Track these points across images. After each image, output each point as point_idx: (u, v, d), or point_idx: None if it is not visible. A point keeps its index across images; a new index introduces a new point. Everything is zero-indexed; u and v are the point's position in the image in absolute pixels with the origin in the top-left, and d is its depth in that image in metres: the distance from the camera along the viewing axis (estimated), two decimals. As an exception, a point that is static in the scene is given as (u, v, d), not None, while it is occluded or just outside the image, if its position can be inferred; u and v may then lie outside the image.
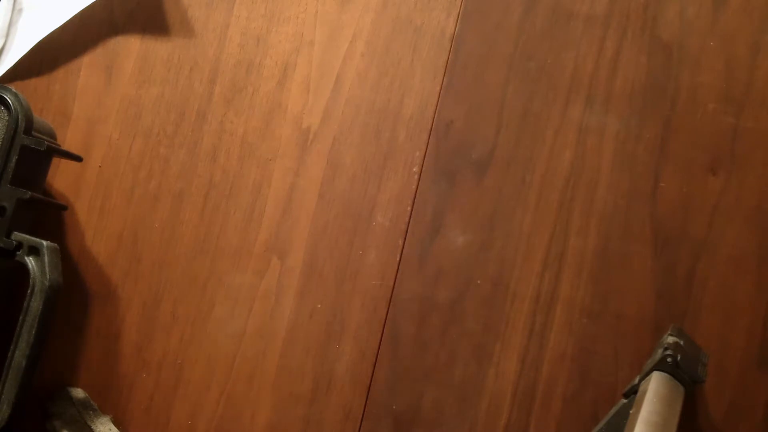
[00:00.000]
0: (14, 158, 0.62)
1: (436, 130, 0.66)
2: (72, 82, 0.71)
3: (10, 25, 0.70)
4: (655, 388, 0.50)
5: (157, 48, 0.70)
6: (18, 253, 0.61)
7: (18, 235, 0.61)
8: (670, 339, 0.55)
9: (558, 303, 0.62)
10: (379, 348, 0.65)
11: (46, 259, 0.61)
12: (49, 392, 0.67)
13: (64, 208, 0.68)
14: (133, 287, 0.68)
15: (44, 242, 0.61)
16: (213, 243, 0.68)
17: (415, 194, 0.65)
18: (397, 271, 0.65)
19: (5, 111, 0.63)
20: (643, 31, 0.63)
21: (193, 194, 0.68)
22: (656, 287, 0.61)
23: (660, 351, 0.53)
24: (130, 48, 0.71)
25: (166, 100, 0.70)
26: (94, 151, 0.70)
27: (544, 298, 0.62)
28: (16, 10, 0.71)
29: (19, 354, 0.59)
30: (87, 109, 0.70)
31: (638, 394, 0.52)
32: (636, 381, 0.54)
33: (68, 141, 0.70)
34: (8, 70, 0.70)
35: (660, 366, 0.52)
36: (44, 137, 0.63)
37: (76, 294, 0.69)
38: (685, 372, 0.52)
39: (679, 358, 0.52)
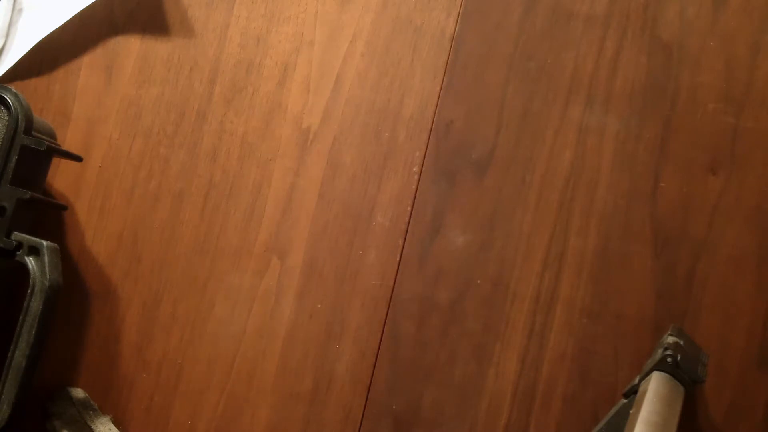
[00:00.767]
0: (14, 158, 0.62)
1: (436, 130, 0.66)
2: (72, 82, 0.71)
3: (10, 25, 0.70)
4: (655, 388, 0.50)
5: (157, 48, 0.70)
6: (18, 253, 0.61)
7: (18, 235, 0.61)
8: (670, 339, 0.55)
9: (558, 303, 0.62)
10: (379, 348, 0.65)
11: (46, 259, 0.61)
12: (49, 392, 0.67)
13: (64, 208, 0.68)
14: (133, 287, 0.68)
15: (44, 242, 0.61)
16: (213, 243, 0.68)
17: (415, 194, 0.65)
18: (397, 271, 0.65)
19: (5, 111, 0.63)
20: (643, 31, 0.63)
21: (193, 194, 0.68)
22: (656, 287, 0.61)
23: (660, 351, 0.53)
24: (130, 48, 0.71)
25: (166, 100, 0.70)
26: (94, 151, 0.70)
27: (544, 298, 0.62)
28: (16, 10, 0.71)
29: (19, 354, 0.59)
30: (87, 109, 0.70)
31: (638, 394, 0.52)
32: (636, 381, 0.54)
33: (68, 141, 0.70)
34: (8, 70, 0.70)
35: (660, 366, 0.52)
36: (44, 137, 0.63)
37: (76, 294, 0.69)
38: (685, 372, 0.52)
39: (679, 358, 0.52)
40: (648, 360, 0.57)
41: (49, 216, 0.69)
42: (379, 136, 0.66)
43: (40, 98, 0.71)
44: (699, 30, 0.63)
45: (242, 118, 0.69)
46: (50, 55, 0.71)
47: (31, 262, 0.61)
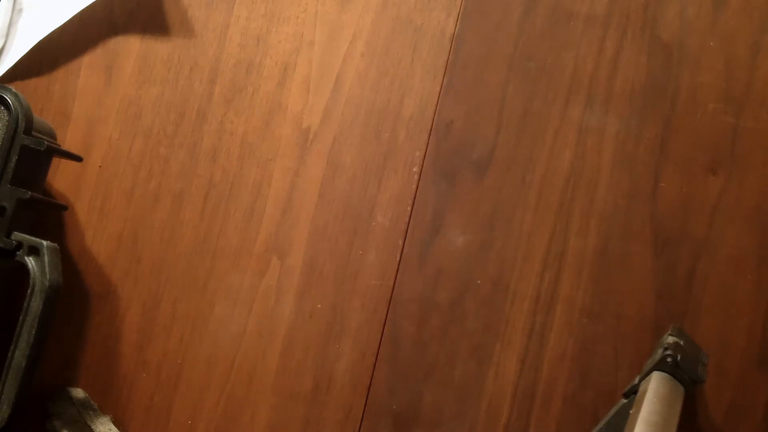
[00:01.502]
0: (14, 158, 0.62)
1: (436, 130, 0.66)
2: (72, 82, 0.71)
3: (10, 25, 0.70)
4: (655, 388, 0.50)
5: (157, 48, 0.70)
6: (18, 253, 0.61)
7: (18, 235, 0.61)
8: (670, 339, 0.55)
9: (558, 303, 0.62)
10: (379, 348, 0.65)
11: (46, 259, 0.61)
12: (49, 392, 0.67)
13: (64, 208, 0.68)
14: (133, 287, 0.68)
15: (44, 242, 0.61)
16: (213, 243, 0.68)
17: (415, 194, 0.65)
18: (397, 271, 0.65)
19: (5, 111, 0.63)
20: (643, 31, 0.63)
21: (193, 194, 0.68)
22: (656, 287, 0.61)
23: (660, 351, 0.53)
24: (130, 48, 0.71)
25: (166, 100, 0.70)
26: (94, 151, 0.70)
27: (544, 298, 0.62)
28: (16, 10, 0.71)
29: (19, 354, 0.59)
30: (87, 109, 0.70)
31: (638, 394, 0.52)
32: (636, 381, 0.54)
33: (68, 141, 0.70)
34: (8, 70, 0.70)
35: (660, 366, 0.52)
36: (44, 137, 0.63)
37: (76, 294, 0.69)
38: (685, 372, 0.52)
39: (679, 358, 0.52)
40: (648, 360, 0.57)
41: (49, 216, 0.69)
42: (379, 136, 0.66)
43: (40, 98, 0.71)
44: (699, 30, 0.63)
45: (242, 118, 0.69)
46: (50, 55, 0.71)
47: (31, 262, 0.61)
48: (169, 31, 0.70)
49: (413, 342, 0.64)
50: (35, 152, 0.62)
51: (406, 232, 0.65)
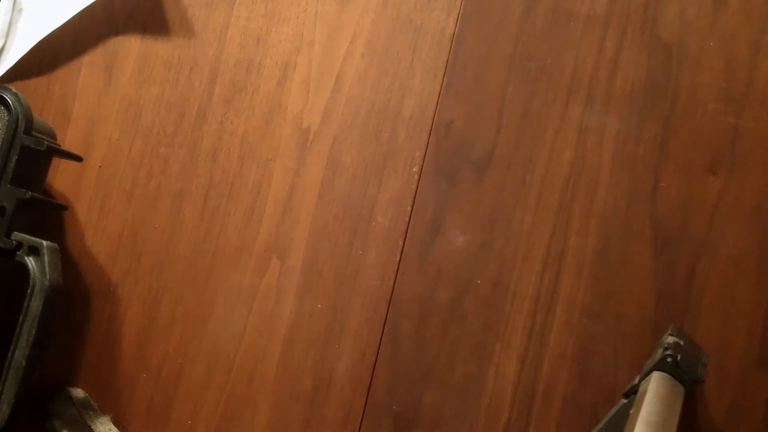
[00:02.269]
0: (14, 158, 0.62)
1: (436, 130, 0.66)
2: (72, 82, 0.71)
3: (10, 25, 0.70)
4: (655, 388, 0.50)
5: (157, 48, 0.70)
6: (18, 253, 0.61)
7: (18, 235, 0.61)
8: (670, 339, 0.55)
9: (558, 303, 0.62)
10: (379, 348, 0.65)
11: (46, 259, 0.61)
12: (49, 392, 0.67)
13: (64, 208, 0.68)
14: (133, 287, 0.68)
15: (44, 242, 0.61)
16: (213, 243, 0.68)
17: (415, 194, 0.65)
18: (397, 271, 0.65)
19: (5, 111, 0.63)
20: (643, 31, 0.63)
21: (193, 194, 0.68)
22: (656, 287, 0.61)
23: (660, 351, 0.53)
24: (130, 48, 0.71)
25: (166, 100, 0.70)
26: (94, 151, 0.70)
27: (544, 298, 0.62)
28: (16, 10, 0.71)
29: (19, 354, 0.59)
30: (87, 109, 0.70)
31: (638, 394, 0.52)
32: (636, 381, 0.54)
33: (68, 141, 0.70)
34: (8, 70, 0.70)
35: (660, 366, 0.52)
36: (44, 137, 0.63)
37: (76, 294, 0.69)
38: (685, 372, 0.52)
39: (679, 358, 0.52)
40: (648, 360, 0.57)
41: (49, 216, 0.69)
42: (379, 136, 0.66)
43: (40, 98, 0.71)
44: (699, 30, 0.63)
45: (242, 118, 0.69)
46: (50, 55, 0.71)
47: (31, 262, 0.61)
48: (169, 31, 0.70)
49: (413, 342, 0.64)
50: (35, 152, 0.62)
51: (406, 232, 0.65)
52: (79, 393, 0.67)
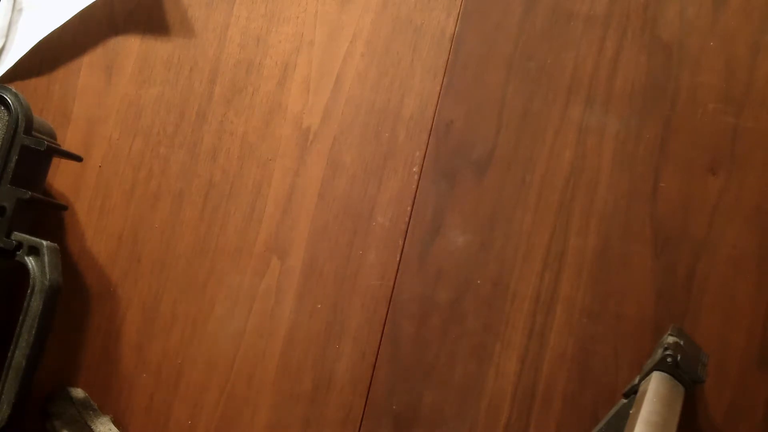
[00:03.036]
0: (14, 158, 0.62)
1: (436, 130, 0.66)
2: (72, 82, 0.71)
3: (10, 25, 0.70)
4: (655, 388, 0.50)
5: (157, 48, 0.70)
6: (18, 253, 0.61)
7: (18, 235, 0.61)
8: (670, 339, 0.55)
9: (558, 303, 0.62)
10: (379, 348, 0.65)
11: (46, 259, 0.61)
12: (49, 392, 0.67)
13: (64, 208, 0.68)
14: (133, 287, 0.68)
15: (44, 242, 0.61)
16: (213, 243, 0.68)
17: (415, 194, 0.65)
18: (397, 271, 0.65)
19: (5, 111, 0.63)
20: (643, 31, 0.63)
21: (193, 194, 0.68)
22: (656, 287, 0.61)
23: (660, 351, 0.53)
24: (130, 48, 0.71)
25: (166, 100, 0.70)
26: (94, 151, 0.70)
27: (544, 298, 0.62)
28: (16, 10, 0.71)
29: (19, 354, 0.59)
30: (87, 109, 0.70)
31: (638, 394, 0.52)
32: (636, 381, 0.54)
33: (68, 141, 0.70)
34: (8, 70, 0.70)
35: (660, 366, 0.52)
36: (44, 137, 0.63)
37: (76, 294, 0.69)
38: (685, 372, 0.52)
39: (679, 358, 0.52)
40: (648, 360, 0.57)
41: (49, 216, 0.69)
42: (379, 136, 0.66)
43: (40, 98, 0.71)
44: (699, 30, 0.63)
45: (242, 118, 0.69)
46: (50, 55, 0.71)
47: (31, 262, 0.61)
48: (169, 31, 0.70)
49: (413, 342, 0.64)
50: (35, 152, 0.62)
51: (406, 232, 0.65)
52: (79, 393, 0.67)
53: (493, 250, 0.64)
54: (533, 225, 0.63)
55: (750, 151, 0.61)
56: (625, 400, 0.55)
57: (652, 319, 0.61)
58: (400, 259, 0.65)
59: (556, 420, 0.61)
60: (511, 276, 0.63)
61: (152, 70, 0.70)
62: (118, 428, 0.66)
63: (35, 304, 0.60)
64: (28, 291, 0.60)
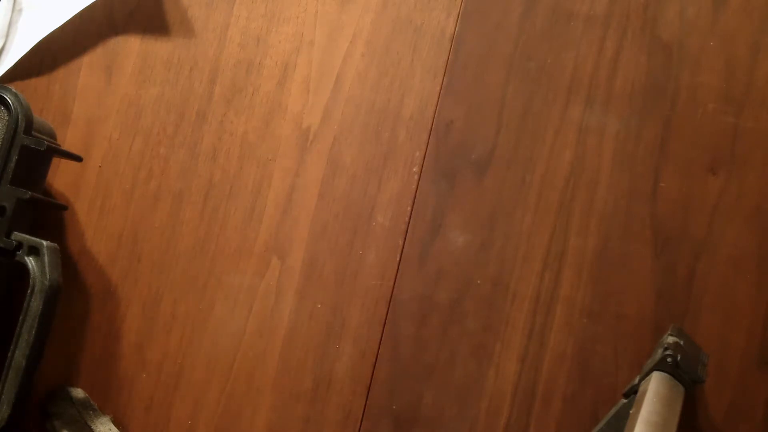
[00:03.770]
0: (14, 158, 0.62)
1: (436, 130, 0.66)
2: (72, 82, 0.71)
3: (10, 25, 0.70)
4: (655, 388, 0.50)
5: (157, 48, 0.70)
6: (18, 253, 0.61)
7: (18, 235, 0.61)
8: (670, 339, 0.55)
9: (558, 303, 0.62)
10: (379, 348, 0.65)
11: (46, 259, 0.61)
12: (49, 392, 0.67)
13: (64, 208, 0.68)
14: (133, 287, 0.68)
15: (44, 242, 0.61)
16: (213, 243, 0.68)
17: (415, 194, 0.65)
18: (397, 271, 0.65)
19: (5, 111, 0.63)
20: (643, 31, 0.63)
21: (193, 194, 0.68)
22: (656, 287, 0.61)
23: (660, 351, 0.53)
24: (130, 48, 0.71)
25: (166, 100, 0.70)
26: (94, 151, 0.70)
27: (544, 298, 0.62)
28: (16, 10, 0.71)
29: (19, 354, 0.59)
30: (87, 109, 0.70)
31: (638, 394, 0.52)
32: (636, 381, 0.54)
33: (68, 141, 0.70)
34: (8, 70, 0.70)
35: (660, 366, 0.52)
36: (44, 137, 0.63)
37: (76, 294, 0.69)
38: (685, 372, 0.52)
39: (679, 358, 0.52)
40: (648, 360, 0.57)
41: (49, 216, 0.69)
42: (379, 136, 0.66)
43: (40, 98, 0.71)
44: (699, 30, 0.63)
45: (242, 118, 0.69)
46: (50, 55, 0.71)
47: (31, 262, 0.61)
48: (169, 31, 0.70)
49: (413, 342, 0.64)
50: (35, 152, 0.62)
51: (406, 232, 0.65)
52: (79, 393, 0.67)
53: (493, 250, 0.64)
54: (533, 225, 0.63)
55: (750, 151, 0.61)
56: (625, 400, 0.55)
57: (652, 319, 0.61)
58: (400, 259, 0.65)
59: (556, 420, 0.61)
60: (511, 276, 0.63)
61: (152, 70, 0.70)
62: (118, 428, 0.66)
63: (35, 304, 0.60)
64: (28, 291, 0.60)
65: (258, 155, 0.68)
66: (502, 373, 0.62)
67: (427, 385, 0.63)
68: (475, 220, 0.64)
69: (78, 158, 0.68)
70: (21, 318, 0.60)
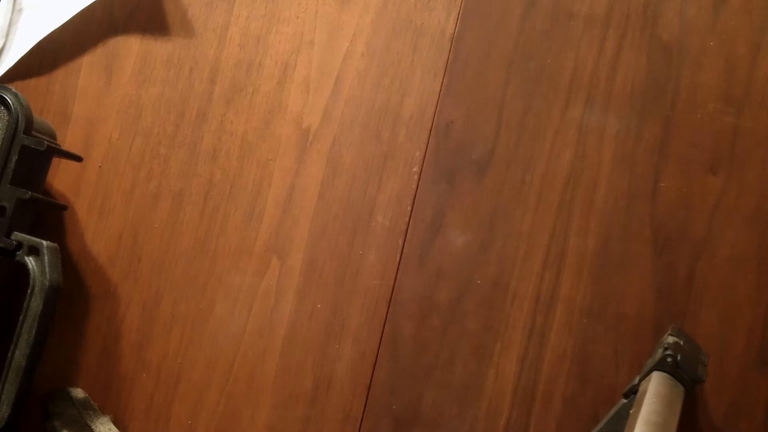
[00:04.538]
0: (14, 158, 0.62)
1: (436, 130, 0.66)
2: (72, 82, 0.71)
3: (10, 25, 0.70)
4: (655, 388, 0.50)
5: (157, 48, 0.70)
6: (18, 253, 0.61)
7: (18, 235, 0.61)
8: (670, 339, 0.55)
9: (558, 303, 0.62)
10: (379, 348, 0.65)
11: (46, 259, 0.60)
12: (49, 392, 0.67)
13: (64, 208, 0.68)
14: (133, 287, 0.68)
15: (44, 242, 0.61)
16: (213, 243, 0.68)
17: (415, 194, 0.65)
18: (397, 271, 0.65)
19: (5, 111, 0.63)
20: (643, 31, 0.63)
21: (193, 194, 0.68)
22: (656, 287, 0.61)
23: (660, 351, 0.53)
24: (130, 48, 0.71)
25: (166, 100, 0.70)
26: (94, 151, 0.70)
27: (544, 298, 0.62)
28: (16, 10, 0.71)
29: (19, 354, 0.59)
30: (87, 109, 0.70)
31: (638, 394, 0.52)
32: (636, 381, 0.54)
33: (68, 141, 0.70)
34: (8, 70, 0.70)
35: (660, 366, 0.52)
36: (44, 137, 0.63)
37: (76, 294, 0.69)
38: (685, 372, 0.52)
39: (679, 358, 0.52)
40: (648, 360, 0.57)
41: (49, 216, 0.69)
42: (379, 136, 0.66)
43: (40, 98, 0.71)
44: (699, 30, 0.63)
45: (242, 118, 0.69)
46: (50, 55, 0.71)
47: (31, 262, 0.61)
48: (169, 31, 0.70)
49: (413, 342, 0.64)
50: (35, 152, 0.62)
51: (406, 232, 0.65)
52: (79, 393, 0.67)
53: (493, 250, 0.64)
54: (533, 225, 0.63)
55: (750, 151, 0.61)
56: (625, 400, 0.55)
57: (652, 319, 0.61)
58: (400, 259, 0.65)
59: (556, 420, 0.61)
60: (511, 276, 0.63)
61: (152, 70, 0.70)
62: (118, 428, 0.66)
63: (35, 304, 0.60)
64: (28, 291, 0.60)
65: (258, 155, 0.68)
66: (502, 373, 0.62)
67: (427, 385, 0.63)
68: (475, 220, 0.64)
69: (78, 158, 0.68)
70: (21, 318, 0.60)
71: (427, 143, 0.66)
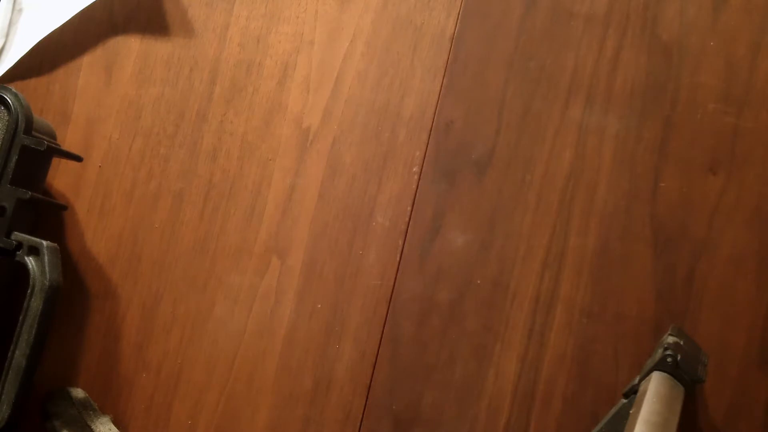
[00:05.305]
0: (14, 158, 0.62)
1: (436, 130, 0.66)
2: (72, 82, 0.71)
3: (10, 25, 0.71)
4: (655, 388, 0.50)
5: (157, 48, 0.70)
6: (18, 253, 0.61)
7: (18, 235, 0.61)
8: (670, 339, 0.55)
9: (558, 303, 0.62)
10: (379, 348, 0.65)
11: (46, 259, 0.61)
12: (49, 392, 0.67)
13: (64, 208, 0.68)
14: (133, 287, 0.68)
15: (44, 242, 0.61)
16: (213, 243, 0.68)
17: (415, 194, 0.65)
18: (397, 271, 0.65)
19: (5, 111, 0.63)
20: (643, 31, 0.63)
21: (193, 194, 0.68)
22: (656, 287, 0.61)
23: (660, 351, 0.53)
24: (130, 48, 0.71)
25: (166, 100, 0.70)
26: (94, 151, 0.70)
27: (544, 298, 0.62)
28: (16, 10, 0.71)
29: (19, 354, 0.59)
30: (87, 109, 0.70)
31: (638, 394, 0.52)
32: (636, 381, 0.54)
33: (68, 141, 0.70)
34: (8, 70, 0.70)
35: (660, 366, 0.52)
36: (44, 137, 0.63)
37: (76, 294, 0.69)
38: (685, 372, 0.52)
39: (679, 358, 0.52)
40: (648, 360, 0.57)
41: (49, 216, 0.69)
42: (379, 136, 0.66)
43: (40, 98, 0.71)
44: (699, 30, 0.63)
45: (242, 118, 0.69)
46: (50, 55, 0.71)
47: (31, 262, 0.61)
48: (169, 31, 0.70)
49: (413, 342, 0.64)
50: (35, 152, 0.63)
51: (406, 232, 0.65)
52: (79, 393, 0.67)
53: (493, 250, 0.64)
54: (533, 225, 0.63)
55: (750, 151, 0.61)
56: (625, 400, 0.55)
57: (652, 319, 0.61)
58: (400, 259, 0.65)
59: (556, 420, 0.61)
60: (511, 276, 0.63)
61: (152, 70, 0.70)
62: (118, 428, 0.66)
63: (35, 304, 0.60)
64: (28, 291, 0.60)
65: (258, 155, 0.68)
66: (502, 373, 0.62)
67: (427, 385, 0.63)
68: (475, 220, 0.64)
69: (78, 158, 0.68)
70: (21, 318, 0.60)
71: (427, 143, 0.66)
